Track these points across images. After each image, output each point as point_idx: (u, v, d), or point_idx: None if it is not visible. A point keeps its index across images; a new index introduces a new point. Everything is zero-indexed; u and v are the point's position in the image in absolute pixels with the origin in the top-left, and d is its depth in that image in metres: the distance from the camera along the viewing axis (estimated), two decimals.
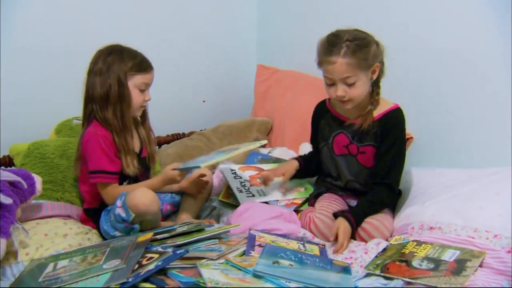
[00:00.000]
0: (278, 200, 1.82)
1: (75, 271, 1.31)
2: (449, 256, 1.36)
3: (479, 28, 1.73)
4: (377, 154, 1.70)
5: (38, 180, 1.53)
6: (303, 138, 2.23)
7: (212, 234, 1.50)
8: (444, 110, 1.87)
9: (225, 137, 2.34)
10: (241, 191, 1.83)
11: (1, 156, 1.97)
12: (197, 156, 2.21)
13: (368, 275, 1.35)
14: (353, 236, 1.63)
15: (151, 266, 1.28)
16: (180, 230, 1.53)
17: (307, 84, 2.33)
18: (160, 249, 1.38)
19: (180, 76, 2.48)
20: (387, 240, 1.60)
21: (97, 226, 1.69)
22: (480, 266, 1.33)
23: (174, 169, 1.67)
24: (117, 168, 1.68)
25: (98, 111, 1.67)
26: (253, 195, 1.83)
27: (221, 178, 1.98)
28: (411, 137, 1.89)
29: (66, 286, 1.26)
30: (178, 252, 1.35)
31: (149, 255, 1.35)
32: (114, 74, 1.65)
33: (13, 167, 1.93)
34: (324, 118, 1.81)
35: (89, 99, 1.68)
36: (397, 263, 1.36)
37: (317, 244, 1.59)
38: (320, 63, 1.66)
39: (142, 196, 1.55)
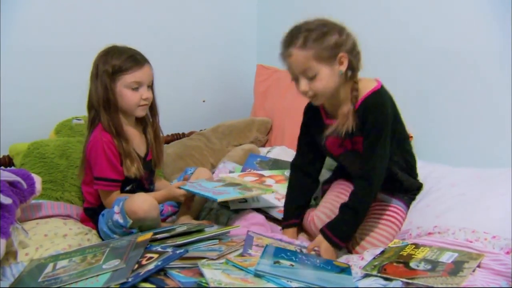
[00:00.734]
0: (275, 207, 1.81)
1: (75, 271, 1.31)
2: (446, 258, 1.36)
3: (479, 29, 1.73)
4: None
5: (37, 180, 1.54)
6: None
7: (212, 234, 1.51)
8: (444, 110, 1.87)
9: (225, 137, 2.34)
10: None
11: (1, 156, 1.97)
12: (196, 156, 2.22)
13: (366, 276, 1.35)
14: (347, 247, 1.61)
15: (151, 266, 1.28)
16: (180, 230, 1.53)
17: None
18: (159, 249, 1.39)
19: (180, 76, 2.48)
20: None
21: (96, 227, 1.69)
22: (479, 266, 1.33)
23: (180, 188, 1.67)
24: (119, 176, 1.67)
25: (99, 116, 1.66)
26: (246, 201, 1.82)
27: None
28: (411, 136, 1.87)
29: (66, 286, 1.26)
30: (177, 252, 1.35)
31: (149, 255, 1.35)
32: (100, 78, 1.63)
33: (12, 167, 1.93)
34: (314, 125, 1.70)
35: (89, 105, 1.69)
36: (395, 264, 1.36)
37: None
38: (281, 56, 1.55)
39: (141, 203, 1.54)
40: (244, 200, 1.81)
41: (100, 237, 1.66)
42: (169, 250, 1.37)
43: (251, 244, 1.47)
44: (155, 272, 1.28)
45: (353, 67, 1.52)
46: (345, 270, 1.38)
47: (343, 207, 1.56)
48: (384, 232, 1.62)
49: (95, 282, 1.25)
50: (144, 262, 1.32)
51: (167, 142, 2.33)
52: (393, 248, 1.48)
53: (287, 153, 2.17)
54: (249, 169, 2.03)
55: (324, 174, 1.89)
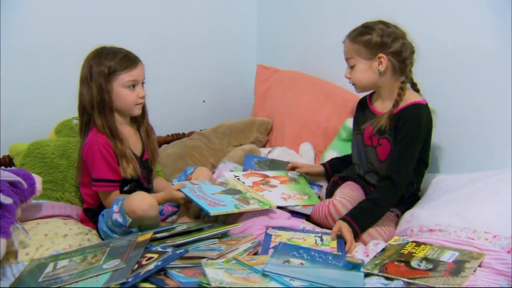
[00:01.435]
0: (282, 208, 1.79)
1: (75, 271, 1.31)
2: (448, 257, 1.36)
3: (479, 30, 1.73)
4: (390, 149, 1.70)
5: (38, 180, 1.53)
6: (303, 138, 2.24)
7: (212, 233, 1.51)
8: (444, 110, 1.87)
9: (225, 137, 2.34)
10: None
11: (1, 156, 1.97)
12: (197, 156, 2.22)
13: (367, 275, 1.35)
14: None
15: (151, 266, 1.28)
16: (179, 229, 1.53)
17: (307, 84, 2.33)
18: (159, 249, 1.39)
19: (180, 76, 2.48)
20: None
21: (96, 227, 1.68)
22: (480, 266, 1.33)
23: (179, 190, 1.64)
24: (117, 176, 1.67)
25: (93, 119, 1.66)
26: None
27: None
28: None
29: (66, 286, 1.26)
30: (177, 252, 1.35)
31: (149, 255, 1.35)
32: (95, 80, 1.62)
33: (13, 167, 1.93)
34: (362, 110, 1.84)
35: (82, 108, 1.68)
36: (396, 263, 1.36)
37: None
38: None
39: (140, 201, 1.54)
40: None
41: (100, 237, 1.66)
42: (169, 250, 1.37)
43: (270, 242, 1.49)
44: (155, 272, 1.28)
45: (396, 70, 1.68)
46: (358, 266, 1.38)
47: (365, 200, 1.69)
48: (383, 225, 1.66)
49: (95, 282, 1.25)
50: (144, 262, 1.32)
51: (167, 142, 2.33)
52: (394, 246, 1.48)
53: (288, 154, 2.17)
54: (250, 170, 2.02)
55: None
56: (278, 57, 2.61)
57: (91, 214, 1.72)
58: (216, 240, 1.50)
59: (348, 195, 1.72)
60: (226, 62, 2.67)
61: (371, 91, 1.82)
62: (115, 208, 1.56)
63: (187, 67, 2.52)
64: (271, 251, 1.46)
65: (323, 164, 1.99)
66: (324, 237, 1.58)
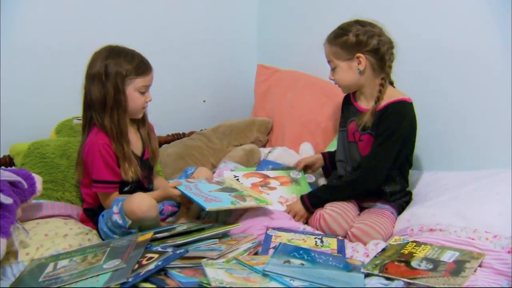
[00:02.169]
0: None
1: (75, 271, 1.31)
2: (448, 257, 1.36)
3: (479, 29, 1.73)
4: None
5: (38, 180, 1.53)
6: (303, 138, 2.23)
7: (212, 233, 1.51)
8: (444, 111, 1.87)
9: (225, 137, 2.34)
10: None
11: (1, 156, 1.97)
12: (197, 156, 2.22)
13: (367, 275, 1.35)
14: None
15: (151, 266, 1.28)
16: (180, 229, 1.53)
17: (307, 84, 2.33)
18: (160, 249, 1.39)
19: (180, 76, 2.48)
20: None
21: (96, 227, 1.68)
22: (480, 266, 1.33)
23: (176, 188, 1.64)
24: (117, 177, 1.67)
25: (97, 118, 1.65)
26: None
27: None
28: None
29: (66, 286, 1.26)
30: (178, 252, 1.35)
31: (149, 255, 1.35)
32: (112, 80, 1.62)
33: (13, 167, 1.93)
34: (346, 107, 1.87)
35: (88, 105, 1.66)
36: (396, 263, 1.36)
37: (335, 236, 1.61)
38: None
39: (140, 202, 1.53)
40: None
41: (101, 237, 1.66)
42: (169, 250, 1.37)
43: (268, 248, 1.49)
44: (156, 272, 1.28)
45: (375, 68, 1.70)
46: (357, 268, 1.38)
47: (336, 180, 1.81)
48: (378, 222, 1.65)
49: (96, 282, 1.25)
50: (144, 262, 1.32)
51: (168, 142, 2.32)
52: (394, 246, 1.48)
53: (289, 154, 2.17)
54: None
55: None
56: (278, 57, 2.61)
57: (91, 214, 1.72)
58: (217, 240, 1.50)
59: (339, 205, 1.70)
60: (226, 62, 2.67)
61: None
62: (115, 209, 1.56)
63: (188, 67, 2.52)
64: (271, 251, 1.46)
65: (322, 153, 2.01)
66: (324, 239, 1.58)
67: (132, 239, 1.46)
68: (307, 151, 2.17)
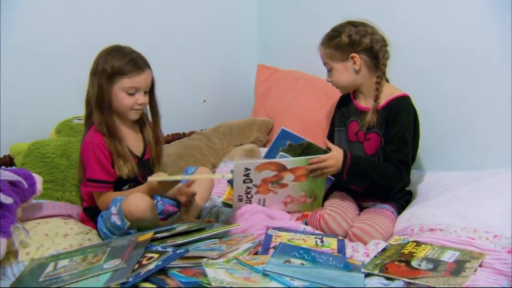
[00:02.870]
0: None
1: (76, 271, 1.31)
2: (448, 257, 1.36)
3: (479, 29, 1.73)
4: (385, 140, 1.71)
5: (38, 179, 1.54)
6: None
7: (212, 233, 1.51)
8: (444, 111, 1.87)
9: (226, 137, 2.34)
10: (241, 200, 1.73)
11: (1, 156, 1.97)
12: (197, 156, 2.22)
13: (367, 275, 1.35)
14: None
15: (151, 266, 1.28)
16: (180, 229, 1.53)
17: (307, 84, 2.34)
18: (160, 249, 1.39)
19: (180, 76, 2.48)
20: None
21: (96, 227, 1.68)
22: (480, 266, 1.33)
23: (153, 179, 1.60)
24: (111, 177, 1.67)
25: (93, 114, 1.66)
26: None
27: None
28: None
29: (66, 286, 1.26)
30: (178, 251, 1.35)
31: (149, 255, 1.35)
32: (98, 77, 1.62)
33: (13, 167, 1.93)
34: (345, 106, 1.86)
35: (86, 101, 1.69)
36: (396, 263, 1.36)
37: (335, 236, 1.61)
38: None
39: (138, 203, 1.53)
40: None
41: (100, 237, 1.66)
42: (170, 250, 1.37)
43: (268, 248, 1.49)
44: (156, 272, 1.27)
45: (371, 66, 1.71)
46: (358, 268, 1.38)
47: (381, 162, 1.72)
48: (378, 222, 1.65)
49: (96, 282, 1.25)
50: (144, 262, 1.32)
51: (168, 142, 2.33)
52: (394, 245, 1.48)
53: None
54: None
55: None
56: (278, 56, 2.61)
57: (91, 214, 1.72)
58: (217, 240, 1.49)
59: (338, 205, 1.71)
60: (226, 62, 2.67)
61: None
62: (113, 210, 1.56)
63: (188, 67, 2.52)
64: (271, 251, 1.46)
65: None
66: (325, 239, 1.58)
67: (132, 239, 1.46)
68: None
